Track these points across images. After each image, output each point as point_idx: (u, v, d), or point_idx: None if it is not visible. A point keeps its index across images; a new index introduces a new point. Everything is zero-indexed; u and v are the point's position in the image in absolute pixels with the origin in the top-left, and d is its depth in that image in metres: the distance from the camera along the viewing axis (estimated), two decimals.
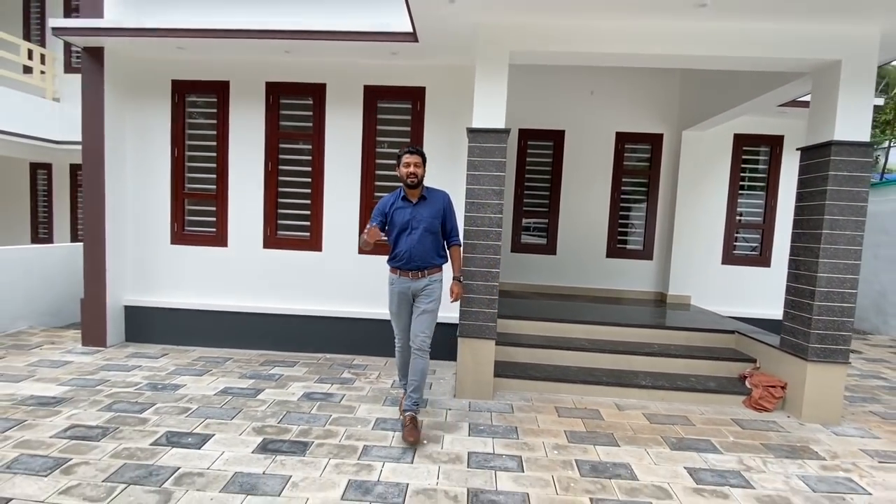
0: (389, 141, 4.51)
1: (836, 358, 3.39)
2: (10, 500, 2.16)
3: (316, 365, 4.25)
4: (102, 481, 2.33)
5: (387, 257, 3.10)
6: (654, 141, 6.04)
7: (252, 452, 2.67)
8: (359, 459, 2.65)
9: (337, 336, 4.56)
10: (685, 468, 2.71)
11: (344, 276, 4.54)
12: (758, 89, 4.40)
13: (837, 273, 3.36)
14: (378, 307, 4.39)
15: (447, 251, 3.14)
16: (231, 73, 4.49)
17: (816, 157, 3.47)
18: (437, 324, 3.09)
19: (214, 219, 4.63)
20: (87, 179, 4.37)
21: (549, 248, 6.22)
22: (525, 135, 6.14)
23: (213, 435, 2.86)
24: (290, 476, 2.45)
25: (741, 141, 5.87)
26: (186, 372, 3.93)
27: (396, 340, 3.18)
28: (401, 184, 3.01)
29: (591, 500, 2.36)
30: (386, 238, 3.09)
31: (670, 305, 5.73)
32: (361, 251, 3.53)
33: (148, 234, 4.63)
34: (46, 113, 7.75)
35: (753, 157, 5.98)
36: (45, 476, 2.35)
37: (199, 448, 2.70)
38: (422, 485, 2.42)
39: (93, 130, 4.33)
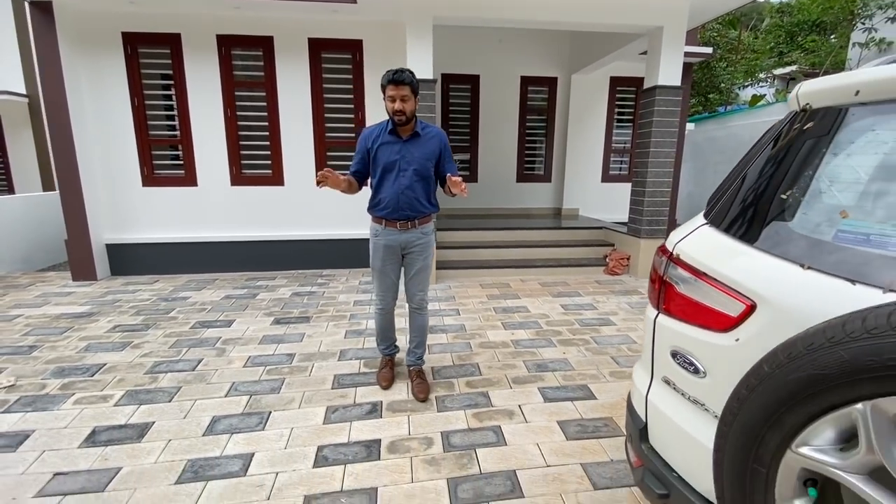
0: (334, 87, 5.32)
1: (658, 235, 5.13)
2: (103, 365, 3.11)
3: (293, 277, 5.29)
4: (169, 347, 3.34)
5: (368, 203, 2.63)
6: (551, 83, 7.36)
7: (270, 325, 3.77)
8: (349, 321, 3.87)
9: (305, 255, 5.56)
10: (560, 304, 4.28)
11: (306, 206, 5.47)
12: (621, 43, 5.77)
13: (659, 178, 5.00)
14: (337, 230, 5.44)
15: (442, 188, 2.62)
16: (182, 27, 4.93)
17: (648, 96, 4.96)
18: None
19: (182, 161, 5.24)
20: (53, 131, 4.75)
21: (472, 177, 7.51)
22: (447, 79, 7.14)
23: (235, 320, 3.90)
24: (304, 332, 3.61)
25: (615, 82, 7.37)
26: (185, 289, 4.79)
27: (377, 301, 2.74)
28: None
29: (502, 323, 3.82)
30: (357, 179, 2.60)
31: (563, 216, 7.38)
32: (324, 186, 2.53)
33: (119, 179, 5.14)
34: None
35: (624, 96, 7.54)
36: (121, 350, 3.30)
37: (229, 327, 3.74)
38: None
39: (52, 83, 4.66)
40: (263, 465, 2.10)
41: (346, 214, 5.37)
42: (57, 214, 5.90)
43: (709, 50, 7.09)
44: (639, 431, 1.33)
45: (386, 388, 2.76)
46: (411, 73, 2.39)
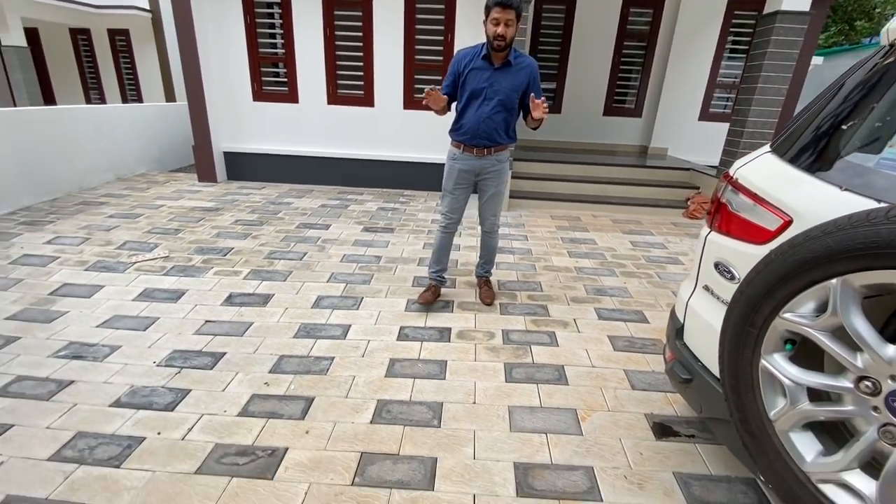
0: (426, 8, 5.34)
1: None
2: (231, 248, 3.79)
3: (379, 194, 5.77)
4: (280, 241, 3.97)
5: (450, 126, 2.71)
6: (656, 5, 6.70)
7: (360, 232, 4.29)
8: (427, 235, 4.27)
9: (390, 175, 5.98)
10: (629, 241, 4.36)
11: (392, 129, 5.79)
12: None
13: (762, 118, 4.62)
14: (419, 153, 5.75)
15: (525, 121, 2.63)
16: None
17: (766, 23, 4.46)
18: None
19: (286, 79, 5.72)
20: (182, 46, 5.36)
21: (555, 108, 7.31)
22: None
23: (331, 224, 4.47)
24: (389, 240, 4.09)
25: (733, 5, 6.53)
26: (287, 196, 5.46)
27: (442, 219, 2.84)
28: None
29: (567, 251, 4.02)
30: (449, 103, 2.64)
31: (649, 155, 7.06)
32: (429, 109, 2.58)
33: (234, 93, 5.76)
34: None
35: (741, 22, 6.69)
36: (244, 239, 3.98)
37: (327, 230, 4.32)
38: (467, 244, 4.08)
39: (181, 2, 5.19)
40: (358, 333, 2.62)
41: (427, 139, 5.62)
42: (181, 123, 6.78)
43: None
44: (676, 331, 1.56)
45: (425, 305, 2.88)
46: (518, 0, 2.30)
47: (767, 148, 1.34)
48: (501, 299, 3.09)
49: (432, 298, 2.91)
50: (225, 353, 2.39)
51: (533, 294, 3.18)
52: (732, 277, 1.29)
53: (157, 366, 2.27)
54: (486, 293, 3.03)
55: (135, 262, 3.40)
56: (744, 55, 6.79)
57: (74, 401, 2.01)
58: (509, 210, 5.20)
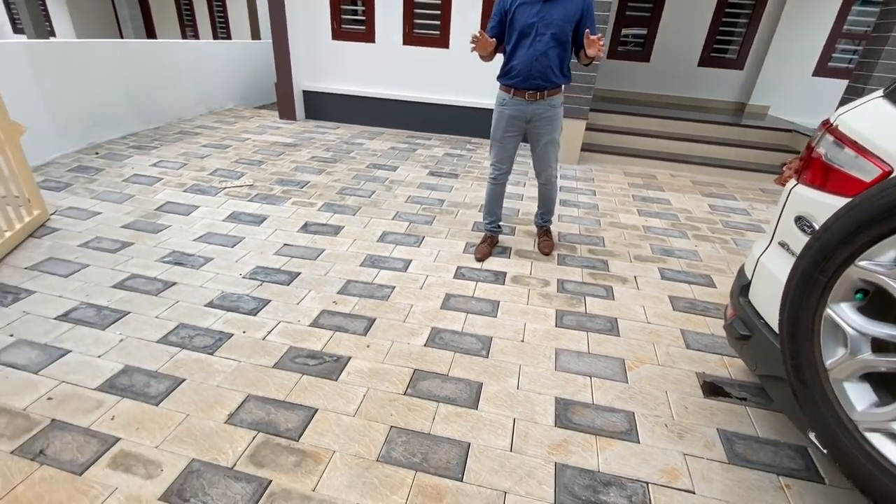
0: None
1: None
2: (307, 182, 4.03)
3: (446, 140, 5.78)
4: (351, 178, 4.16)
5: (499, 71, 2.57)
6: None
7: (425, 175, 4.37)
8: None
9: (458, 122, 5.94)
10: (708, 204, 4.08)
11: (465, 72, 5.66)
12: None
13: (892, 72, 3.97)
14: (491, 100, 5.59)
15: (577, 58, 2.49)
16: None
17: None
18: None
19: (364, 17, 5.72)
20: None
21: (643, 56, 6.73)
22: None
23: (399, 167, 4.58)
24: (452, 186, 4.14)
25: None
26: (359, 137, 5.63)
27: (491, 170, 2.77)
28: None
29: (637, 209, 3.86)
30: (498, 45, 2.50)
31: (747, 113, 6.36)
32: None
33: (314, 32, 5.88)
34: None
35: None
36: (319, 174, 4.21)
37: (394, 171, 4.44)
38: (530, 194, 4.03)
39: None
40: (418, 268, 2.76)
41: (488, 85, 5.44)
42: (266, 61, 7.08)
43: None
44: (741, 288, 1.51)
45: (480, 260, 2.83)
46: None
47: (880, 93, 1.20)
48: (560, 250, 3.08)
49: (488, 251, 2.92)
50: (300, 273, 2.63)
51: (594, 248, 3.13)
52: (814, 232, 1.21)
53: (243, 278, 2.56)
54: (545, 243, 3.02)
55: (224, 188, 3.75)
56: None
57: (177, 298, 2.35)
58: (579, 163, 5.01)
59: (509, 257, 2.95)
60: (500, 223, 3.06)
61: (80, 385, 1.78)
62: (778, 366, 1.20)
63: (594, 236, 3.32)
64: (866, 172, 1.07)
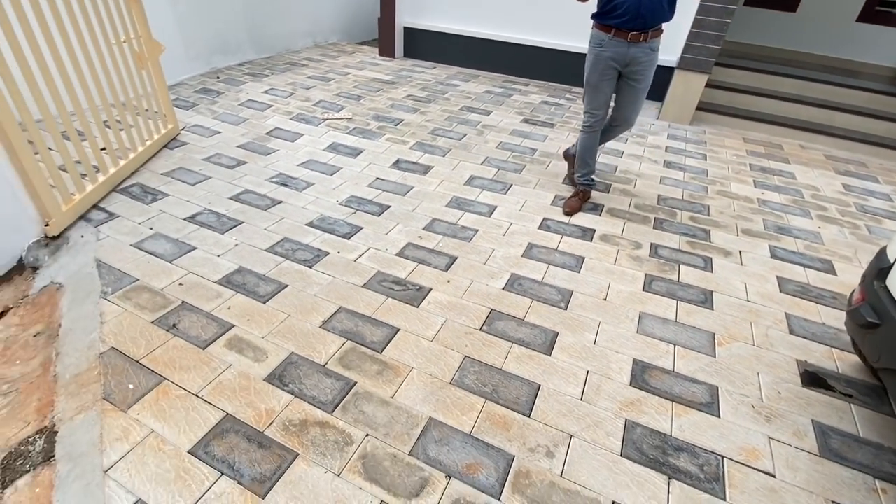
0: None
1: None
2: (402, 119, 4.07)
3: (544, 87, 5.50)
4: (444, 120, 4.14)
5: (596, 9, 2.40)
6: None
7: (519, 122, 4.23)
8: None
9: (559, 67, 5.58)
10: (841, 183, 3.54)
11: (572, 14, 5.22)
12: None
13: None
14: None
15: None
16: None
17: None
18: None
19: None
20: None
21: (789, 5, 5.73)
22: None
23: (492, 111, 4.47)
24: (547, 135, 3.97)
25: None
26: (455, 79, 5.53)
27: (587, 118, 2.63)
28: None
29: (753, 180, 3.46)
30: None
31: None
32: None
33: None
34: None
35: None
36: (413, 113, 4.24)
37: (487, 115, 4.34)
38: (633, 152, 3.76)
39: None
40: (503, 215, 2.75)
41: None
42: None
43: None
44: (878, 271, 1.32)
45: (570, 214, 2.73)
46: None
47: None
48: (658, 213, 2.88)
49: (578, 205, 2.80)
50: (390, 206, 2.74)
51: (696, 216, 2.89)
52: None
53: (339, 204, 2.73)
54: (575, 201, 2.81)
55: (326, 119, 3.92)
56: None
57: (282, 215, 2.57)
58: (692, 123, 4.54)
59: (600, 215, 2.83)
60: (594, 177, 2.93)
61: (204, 277, 2.05)
62: None
63: (699, 203, 3.05)
64: None
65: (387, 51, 6.24)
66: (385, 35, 6.13)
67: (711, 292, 2.21)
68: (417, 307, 1.98)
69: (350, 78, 5.13)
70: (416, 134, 3.78)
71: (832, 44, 5.70)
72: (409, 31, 6.18)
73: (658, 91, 4.89)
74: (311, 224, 2.51)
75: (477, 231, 2.57)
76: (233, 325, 1.81)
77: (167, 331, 1.76)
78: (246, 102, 4.12)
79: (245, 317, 1.86)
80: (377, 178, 3.07)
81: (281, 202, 2.69)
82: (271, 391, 1.55)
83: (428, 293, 2.07)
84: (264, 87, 4.55)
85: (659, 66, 4.85)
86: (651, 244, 2.56)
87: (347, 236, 2.43)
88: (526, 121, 4.27)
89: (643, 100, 2.58)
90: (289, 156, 3.26)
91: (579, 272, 2.29)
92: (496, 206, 2.83)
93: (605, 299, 2.11)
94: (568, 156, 3.12)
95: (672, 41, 4.58)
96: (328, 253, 2.28)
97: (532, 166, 3.39)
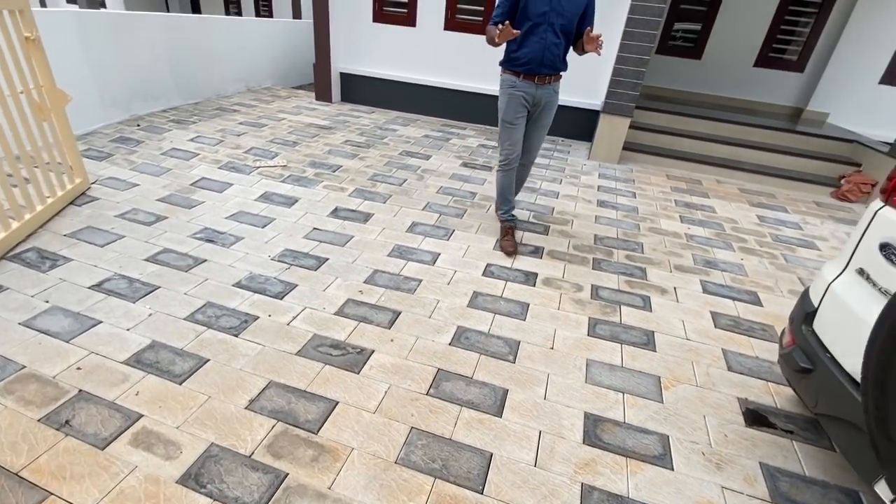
0: None
1: None
2: (340, 166, 3.99)
3: (481, 131, 5.65)
4: (383, 165, 4.10)
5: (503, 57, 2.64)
6: None
7: (458, 166, 4.27)
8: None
9: (495, 112, 5.77)
10: (756, 215, 3.84)
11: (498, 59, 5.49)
12: None
13: None
14: None
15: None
16: None
17: None
18: (579, 109, 4.03)
19: (406, 0, 5.60)
20: None
21: (695, 53, 6.38)
22: None
23: (432, 155, 4.49)
24: (486, 178, 4.03)
25: None
26: (394, 123, 5.56)
27: (504, 157, 2.79)
28: None
29: (680, 215, 3.67)
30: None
31: (804, 120, 5.97)
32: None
33: (355, 13, 5.80)
34: None
35: None
36: (352, 159, 4.17)
37: (427, 160, 4.36)
38: (568, 192, 3.88)
39: None
40: (447, 262, 2.69)
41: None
42: (305, 40, 7.06)
43: None
44: (805, 315, 1.37)
45: (511, 254, 2.78)
46: None
47: None
48: (596, 254, 2.95)
49: (514, 246, 2.83)
50: (328, 259, 2.60)
51: (632, 255, 2.99)
52: None
53: (272, 259, 2.55)
54: (509, 242, 2.84)
55: (258, 167, 3.75)
56: None
57: (206, 276, 2.35)
58: (619, 163, 4.81)
59: (541, 258, 2.84)
60: (515, 213, 3.07)
61: (109, 357, 1.79)
62: (846, 408, 1.08)
63: (632, 241, 3.17)
64: None
65: (323, 95, 6.20)
66: (321, 80, 6.11)
67: (653, 332, 2.24)
68: (358, 373, 1.83)
69: (285, 123, 5.01)
70: (354, 180, 3.70)
71: (735, 87, 6.37)
72: (346, 77, 6.20)
73: (587, 133, 5.21)
74: (238, 284, 2.31)
75: (421, 281, 2.48)
76: (141, 416, 1.57)
77: (58, 429, 1.49)
78: (169, 151, 3.86)
79: (157, 403, 1.62)
80: (314, 229, 2.92)
81: (205, 261, 2.47)
82: (185, 496, 1.33)
83: (370, 356, 1.93)
84: (190, 134, 4.32)
85: (586, 111, 5.22)
86: (592, 286, 2.59)
87: (280, 296, 2.25)
88: (465, 164, 4.33)
89: (545, 135, 2.87)
90: (216, 208, 3.05)
91: (525, 320, 2.25)
92: (439, 254, 2.77)
93: (552, 348, 2.08)
94: (503, 226, 3.12)
95: (596, 88, 4.96)
96: (258, 317, 2.09)
97: (473, 210, 3.39)
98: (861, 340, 1.14)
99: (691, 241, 3.25)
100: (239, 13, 11.19)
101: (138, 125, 4.41)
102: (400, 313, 2.21)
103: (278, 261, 2.54)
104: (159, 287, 2.23)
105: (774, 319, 2.45)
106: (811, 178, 4.57)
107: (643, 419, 1.74)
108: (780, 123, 5.48)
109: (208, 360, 1.83)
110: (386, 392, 1.75)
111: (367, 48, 5.97)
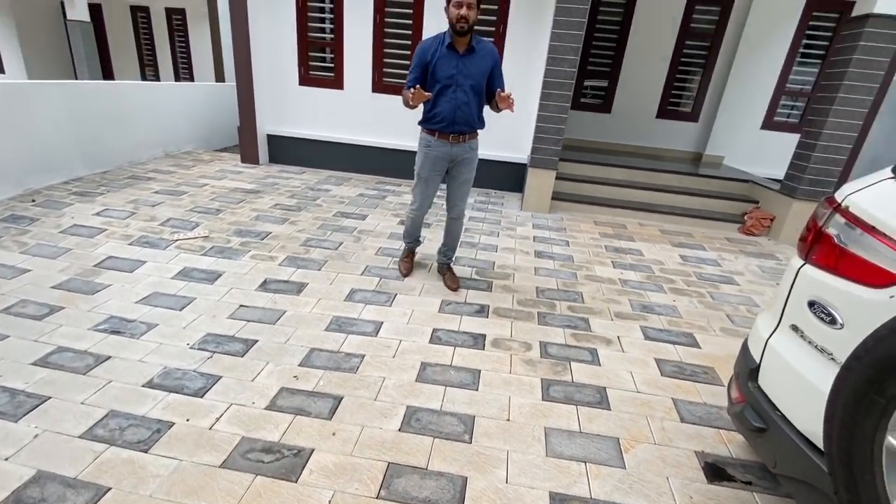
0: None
1: (818, 197, 4.46)
2: (269, 232, 3.78)
3: None
4: (317, 228, 3.94)
5: (422, 117, 2.76)
6: (725, 3, 6.26)
7: (396, 225, 4.21)
8: (464, 234, 4.15)
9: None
10: (679, 255, 4.10)
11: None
12: None
13: (840, 131, 4.23)
14: None
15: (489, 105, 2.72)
16: None
17: (854, 27, 4.06)
18: (508, 163, 4.22)
19: (332, 65, 5.68)
20: (234, 28, 5.40)
21: (605, 108, 7.00)
22: None
23: (368, 215, 4.41)
24: (426, 236, 3.97)
25: (812, 6, 6.02)
26: (326, 183, 5.45)
27: (414, 206, 2.97)
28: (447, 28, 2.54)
29: (612, 261, 3.81)
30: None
31: (703, 163, 6.66)
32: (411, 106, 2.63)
33: (281, 76, 5.77)
34: None
35: (819, 24, 6.16)
36: (282, 224, 3.97)
37: (363, 220, 4.26)
38: (506, 245, 3.93)
39: None
40: (390, 332, 2.54)
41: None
42: (229, 103, 6.88)
43: None
44: (749, 371, 1.39)
45: (406, 275, 3.16)
46: None
47: (888, 173, 1.14)
48: (539, 307, 2.94)
49: (410, 265, 3.25)
50: (257, 341, 2.36)
51: (573, 305, 3.02)
52: (834, 322, 1.11)
53: (191, 348, 2.26)
54: (451, 279, 3.10)
55: (176, 240, 3.44)
56: (819, 60, 6.28)
57: (110, 377, 2.02)
58: (550, 212, 5.01)
59: (487, 317, 2.78)
60: (420, 238, 3.32)
61: None
62: (807, 471, 1.06)
63: (573, 291, 3.22)
64: (893, 264, 0.99)
65: (250, 157, 5.99)
66: (247, 142, 5.93)
67: (605, 388, 2.22)
68: (296, 481, 1.60)
69: (207, 190, 4.72)
70: (285, 247, 3.49)
71: (642, 136, 7.01)
72: (273, 138, 6.07)
73: (518, 185, 5.42)
74: (150, 384, 2.00)
75: (363, 357, 2.31)
76: None
77: None
78: (70, 229, 3.45)
79: None
80: (241, 306, 2.67)
81: (108, 358, 2.14)
82: None
83: (309, 457, 1.70)
84: (96, 207, 3.92)
85: (515, 164, 5.45)
86: (540, 342, 2.55)
87: (200, 393, 1.97)
88: (403, 222, 4.27)
89: (468, 189, 2.95)
90: (125, 291, 2.71)
91: (478, 389, 2.14)
92: (382, 322, 2.62)
93: (509, 419, 1.97)
94: (441, 267, 3.25)
95: (521, 144, 5.19)
96: (173, 423, 1.80)
97: (415, 271, 3.30)
98: (809, 399, 1.15)
99: (626, 286, 3.36)
100: (157, 76, 10.82)
101: (33, 200, 3.94)
102: (342, 399, 2.01)
103: (199, 349, 2.26)
104: (49, 398, 1.87)
105: (713, 361, 2.53)
106: (719, 216, 5.02)
107: (609, 491, 1.66)
108: (685, 168, 6.05)
109: (109, 489, 1.52)
110: (330, 502, 1.53)
111: (295, 110, 5.92)
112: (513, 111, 2.59)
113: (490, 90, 2.66)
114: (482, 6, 2.58)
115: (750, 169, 6.47)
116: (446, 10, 2.48)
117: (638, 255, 4.00)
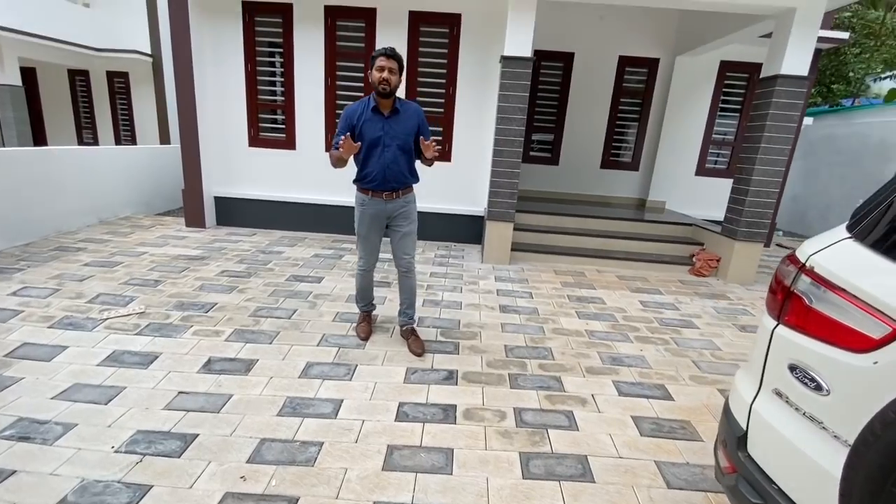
0: (429, 62, 5.39)
1: (756, 238, 4.74)
2: (214, 304, 3.50)
3: None
4: (268, 296, 3.70)
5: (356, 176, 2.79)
6: (651, 65, 6.88)
7: (354, 286, 4.02)
8: (426, 290, 4.03)
9: None
10: (639, 301, 4.15)
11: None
12: (740, 24, 5.24)
13: (767, 177, 4.59)
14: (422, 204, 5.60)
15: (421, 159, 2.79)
16: None
17: (766, 86, 4.51)
18: (467, 216, 4.25)
19: (284, 126, 5.63)
20: (179, 90, 5.28)
21: (553, 160, 7.32)
22: (539, 55, 6.92)
23: (324, 277, 4.21)
24: (386, 296, 3.82)
25: (726, 67, 6.73)
26: (279, 245, 5.22)
27: (360, 263, 3.00)
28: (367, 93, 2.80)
29: (576, 311, 3.79)
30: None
31: (648, 208, 7.02)
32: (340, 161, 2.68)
33: (230, 138, 5.64)
34: (81, 19, 8.23)
35: (734, 83, 6.88)
36: (229, 293, 3.70)
37: (319, 283, 4.06)
38: (470, 301, 3.83)
39: (181, 46, 5.16)
40: (351, 411, 2.31)
41: (423, 189, 5.49)
42: (174, 166, 6.62)
43: (844, 35, 6.23)
44: (736, 439, 1.31)
45: (364, 339, 3.05)
46: (397, 52, 2.58)
47: (844, 233, 1.16)
48: (510, 368, 2.82)
49: (368, 329, 3.13)
50: (197, 436, 2.06)
51: (544, 363, 2.92)
52: (819, 388, 1.07)
53: (116, 452, 1.94)
54: (416, 343, 2.97)
55: (106, 319, 3.09)
56: (736, 113, 6.94)
57: (12, 500, 1.67)
58: (511, 263, 5.01)
59: (457, 384, 2.62)
60: (374, 301, 3.26)
61: None
62: None
63: (541, 347, 3.13)
64: (871, 328, 0.97)
65: (195, 221, 5.69)
66: (192, 205, 5.65)
67: (586, 457, 2.08)
68: None
69: (146, 259, 4.38)
70: (233, 320, 3.22)
71: (589, 185, 7.33)
72: (220, 200, 5.83)
73: (477, 236, 5.43)
74: None
75: (322, 445, 2.06)
76: None
77: None
78: None
79: None
80: (179, 393, 2.37)
81: (13, 473, 1.78)
82: None
83: None
84: (13, 286, 3.50)
85: (474, 217, 5.47)
86: (514, 409, 2.41)
87: None
88: None
89: (412, 240, 2.93)
90: (39, 385, 2.34)
91: (452, 473, 1.94)
92: (342, 400, 2.40)
93: None
94: (404, 331, 3.11)
95: (478, 196, 5.26)
96: None
97: (376, 336, 3.12)
98: (805, 473, 1.08)
99: (593, 338, 3.32)
100: (95, 141, 10.36)
101: None
102: (297, 501, 1.75)
103: (125, 451, 1.94)
104: None
105: (688, 413, 2.47)
106: (669, 259, 5.22)
107: None
108: (633, 214, 6.33)
109: None
110: None
111: (245, 171, 5.76)
112: (437, 155, 2.70)
113: (419, 147, 2.72)
114: (433, 69, 2.65)
115: (689, 211, 6.87)
116: (369, 72, 2.60)
117: (600, 304, 4.01)
